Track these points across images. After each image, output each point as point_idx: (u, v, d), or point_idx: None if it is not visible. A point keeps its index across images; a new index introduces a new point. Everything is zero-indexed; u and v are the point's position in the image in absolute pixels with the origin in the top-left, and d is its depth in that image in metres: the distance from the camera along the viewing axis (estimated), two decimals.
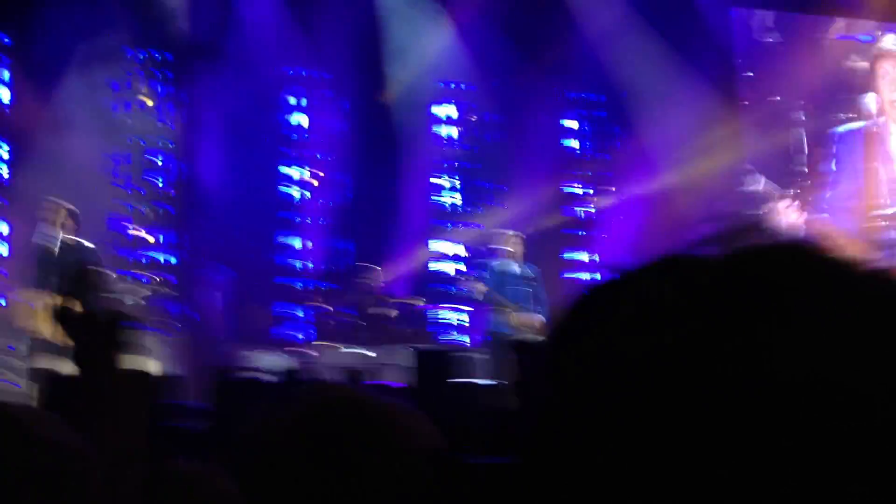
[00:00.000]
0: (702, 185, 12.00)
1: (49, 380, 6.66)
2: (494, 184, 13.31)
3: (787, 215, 9.08)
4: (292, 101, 13.02)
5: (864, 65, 10.30)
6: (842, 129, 10.45)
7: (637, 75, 12.72)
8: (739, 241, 0.58)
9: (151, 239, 11.63)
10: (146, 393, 1.33)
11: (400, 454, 1.29)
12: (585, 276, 13.37)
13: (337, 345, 10.26)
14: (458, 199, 13.37)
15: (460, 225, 13.04)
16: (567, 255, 13.38)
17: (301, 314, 11.88)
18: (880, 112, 9.74)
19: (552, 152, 13.51)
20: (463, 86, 13.55)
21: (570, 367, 0.56)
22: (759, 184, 9.59)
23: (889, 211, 9.98)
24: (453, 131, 13.60)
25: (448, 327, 12.27)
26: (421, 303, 10.59)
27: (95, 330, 1.40)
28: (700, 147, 12.08)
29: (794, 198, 9.55)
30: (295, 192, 12.75)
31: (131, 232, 11.57)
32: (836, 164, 10.30)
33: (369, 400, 1.36)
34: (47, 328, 7.70)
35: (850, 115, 10.49)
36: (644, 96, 12.82)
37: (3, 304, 10.40)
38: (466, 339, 11.84)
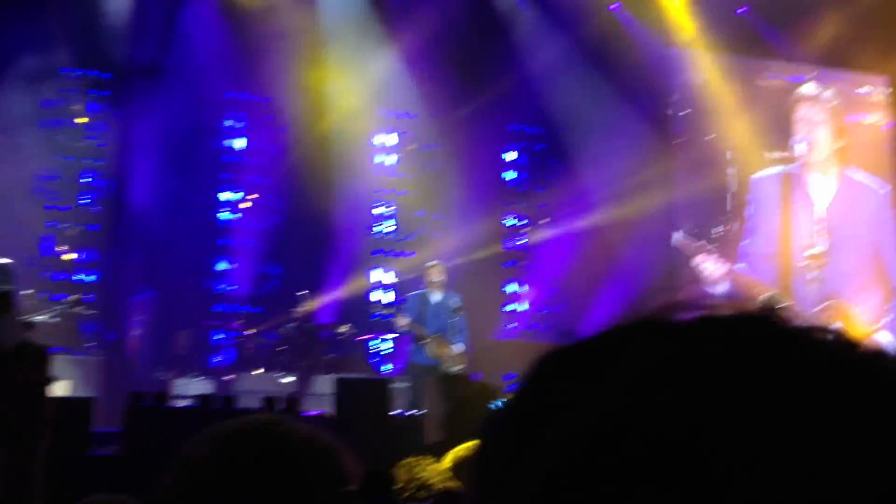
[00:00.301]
0: (634, 221, 12.11)
1: None
2: (431, 213, 13.31)
3: (709, 268, 9.15)
4: (230, 123, 12.94)
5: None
6: (758, 175, 10.63)
7: (576, 110, 12.87)
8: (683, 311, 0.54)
9: (73, 257, 11.44)
10: (47, 424, 1.31)
11: (320, 488, 1.28)
12: (519, 306, 13.42)
13: (258, 370, 10.12)
14: (392, 227, 13.35)
15: (392, 254, 13.01)
16: (502, 287, 13.41)
17: (223, 338, 11.73)
18: (799, 156, 9.93)
19: (491, 183, 13.58)
20: (405, 115, 13.58)
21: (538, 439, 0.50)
22: (678, 239, 9.70)
23: (815, 251, 10.14)
24: (393, 159, 13.61)
25: (372, 356, 12.19)
26: (346, 330, 10.50)
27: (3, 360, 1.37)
28: (634, 183, 12.20)
29: (713, 250, 9.64)
30: (227, 214, 12.64)
31: (57, 250, 11.38)
32: (753, 209, 10.46)
33: (290, 430, 1.34)
34: None
35: (784, 155, 10.65)
36: (582, 130, 12.96)
37: None
38: (389, 367, 11.76)
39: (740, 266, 10.19)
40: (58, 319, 9.40)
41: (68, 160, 11.83)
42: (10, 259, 8.19)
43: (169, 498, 1.33)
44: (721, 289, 10.04)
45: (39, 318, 7.79)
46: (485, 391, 7.72)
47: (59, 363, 9.05)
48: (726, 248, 10.55)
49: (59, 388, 8.82)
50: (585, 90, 12.77)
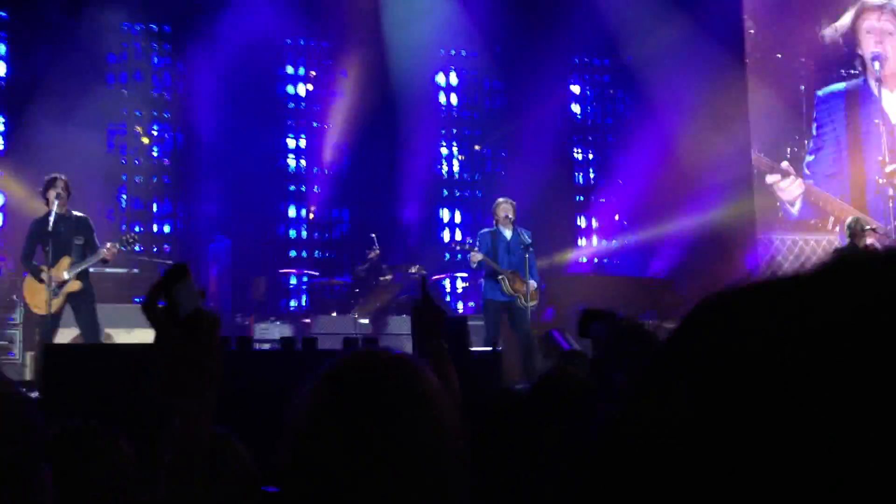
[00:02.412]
0: (707, 146, 11.83)
1: (45, 349, 6.72)
2: (495, 150, 13.20)
3: (785, 187, 8.95)
4: (291, 70, 12.95)
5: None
6: (824, 91, 10.27)
7: (641, 38, 12.52)
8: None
9: (148, 210, 11.68)
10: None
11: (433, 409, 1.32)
12: (587, 241, 13.31)
13: (333, 313, 10.24)
14: (457, 166, 13.29)
15: (460, 192, 12.97)
16: (570, 220, 13.29)
17: (298, 282, 11.89)
18: (867, 70, 9.56)
19: (557, 117, 13.38)
20: (465, 53, 13.41)
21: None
22: (756, 157, 9.43)
23: (888, 168, 9.82)
24: (454, 98, 13.49)
25: (445, 294, 12.25)
26: (416, 270, 10.52)
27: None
28: (706, 107, 11.90)
29: (789, 169, 9.38)
30: (293, 161, 12.72)
31: (127, 202, 11.63)
32: (816, 128, 10.12)
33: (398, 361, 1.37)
34: (41, 299, 7.74)
35: (854, 72, 10.27)
36: (649, 57, 12.62)
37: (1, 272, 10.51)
38: (462, 306, 11.80)
39: (807, 183, 9.92)
40: (136, 271, 9.61)
41: (137, 114, 11.99)
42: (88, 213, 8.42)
43: (299, 435, 1.36)
44: (796, 207, 9.82)
45: (94, 260, 7.94)
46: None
47: (136, 314, 9.32)
48: (800, 167, 10.27)
49: (142, 337, 9.08)
50: (650, 16, 12.41)
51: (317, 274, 11.13)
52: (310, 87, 12.94)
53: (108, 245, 7.97)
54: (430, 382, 1.37)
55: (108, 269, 8.44)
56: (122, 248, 8.18)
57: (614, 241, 13.21)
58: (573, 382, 3.71)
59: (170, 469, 1.37)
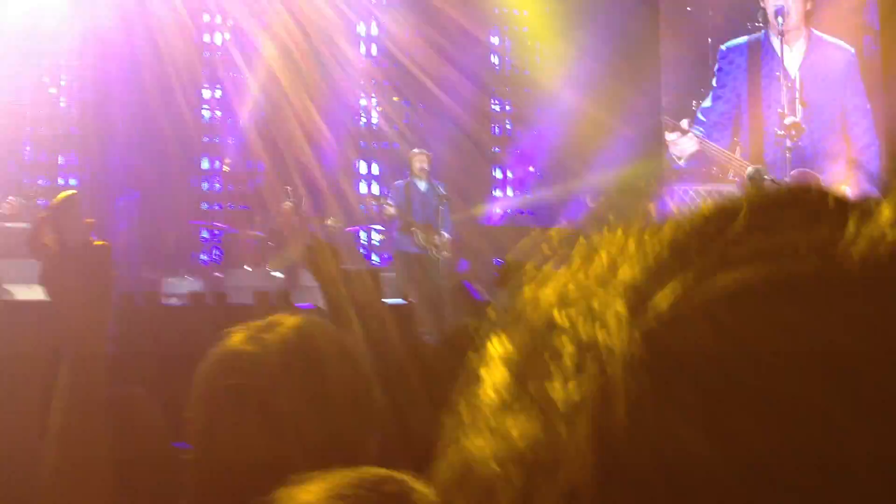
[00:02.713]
0: (619, 101, 11.96)
1: None
2: (414, 102, 13.13)
3: (680, 144, 9.12)
4: (207, 18, 12.62)
5: None
6: (727, 45, 10.45)
7: None
8: None
9: (53, 162, 11.35)
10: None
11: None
12: (502, 193, 13.40)
13: (246, 266, 10.14)
14: (376, 118, 13.19)
15: (377, 145, 12.89)
16: (486, 172, 13.35)
17: (210, 236, 11.73)
18: (769, 24, 9.74)
19: (476, 68, 13.33)
20: (386, 1, 13.25)
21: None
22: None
23: (792, 119, 10.07)
24: (374, 49, 13.34)
25: (360, 247, 12.23)
26: (333, 223, 10.46)
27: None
28: (618, 60, 12.00)
29: (687, 127, 9.54)
30: (207, 112, 12.47)
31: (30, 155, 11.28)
32: (717, 81, 10.31)
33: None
34: None
35: (758, 24, 10.46)
36: (566, 9, 12.64)
37: None
38: (377, 258, 11.81)
39: (697, 131, 10.11)
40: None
41: (40, 64, 11.57)
42: None
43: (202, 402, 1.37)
44: (682, 161, 10.00)
45: (21, 224, 7.74)
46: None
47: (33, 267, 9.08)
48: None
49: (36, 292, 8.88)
50: None
51: (228, 227, 10.98)
52: (227, 35, 12.63)
53: (9, 199, 7.75)
54: (330, 346, 1.40)
55: (8, 224, 8.19)
56: (23, 202, 7.98)
57: (528, 194, 13.31)
58: (477, 334, 3.77)
59: (62, 425, 1.33)
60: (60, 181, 11.55)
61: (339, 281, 1.46)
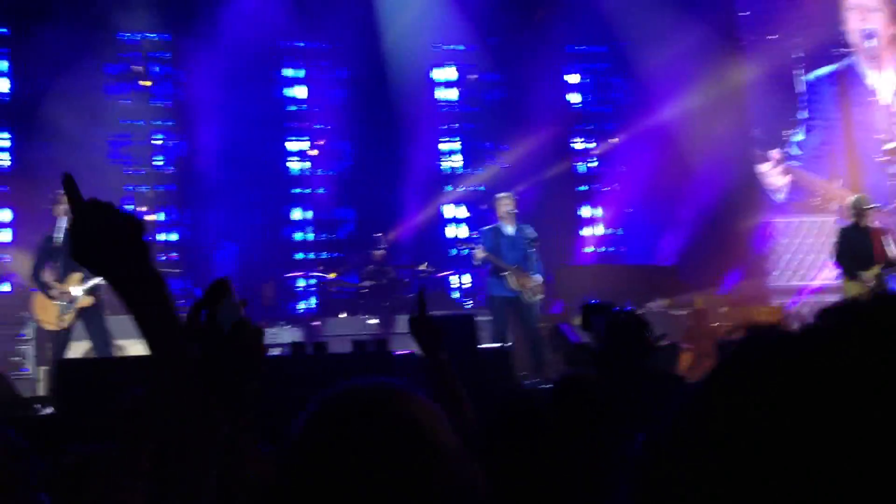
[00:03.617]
0: (706, 132, 11.84)
1: (58, 365, 6.80)
2: (496, 144, 13.23)
3: (772, 175, 8.99)
4: (290, 73, 12.99)
5: None
6: (812, 76, 10.25)
7: (636, 23, 12.52)
8: None
9: (154, 218, 11.73)
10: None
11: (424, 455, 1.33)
12: (593, 230, 13.33)
13: (342, 314, 10.29)
14: (459, 161, 13.32)
15: (462, 187, 13.00)
16: (573, 211, 13.32)
17: (305, 285, 11.96)
18: (855, 48, 9.53)
19: (556, 107, 13.40)
20: (461, 47, 13.43)
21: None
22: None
23: (890, 146, 9.80)
24: (453, 93, 13.52)
25: (453, 291, 12.30)
26: (425, 268, 10.57)
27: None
28: (703, 93, 11.92)
29: (780, 157, 9.41)
30: (296, 163, 12.78)
31: (137, 212, 11.67)
32: (808, 111, 10.10)
33: (396, 400, 1.39)
34: (51, 315, 7.82)
35: (844, 51, 10.26)
36: (646, 44, 12.62)
37: (9, 290, 10.60)
38: (470, 302, 11.85)
39: (792, 162, 9.92)
40: None
41: (138, 123, 12.04)
42: None
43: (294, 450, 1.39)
44: (781, 196, 9.83)
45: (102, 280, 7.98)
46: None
47: None
48: (790, 147, 10.28)
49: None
50: (645, 1, 12.40)
51: (324, 275, 11.17)
52: (303, 90, 12.95)
53: None
54: (425, 414, 1.38)
55: None
56: None
57: (619, 230, 13.23)
58: (589, 385, 3.73)
59: (215, 488, 1.37)
60: (161, 237, 11.94)
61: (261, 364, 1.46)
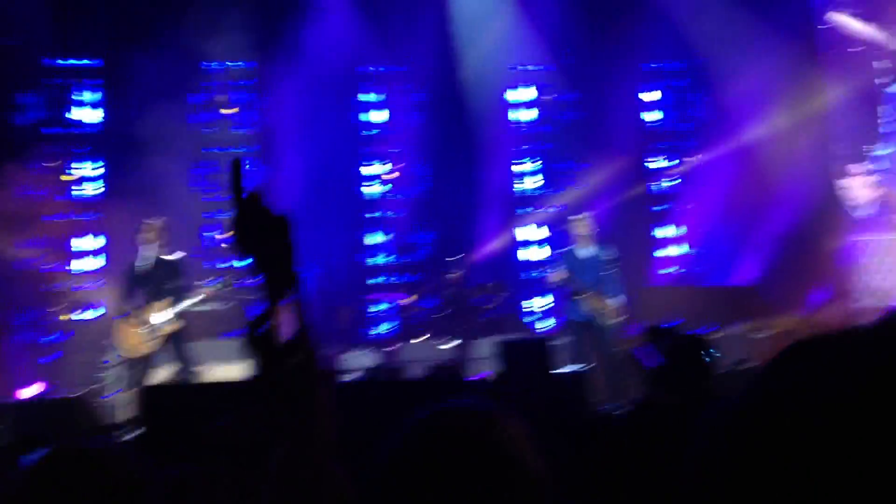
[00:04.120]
0: (787, 148, 11.57)
1: (143, 390, 6.99)
2: (574, 164, 13.16)
3: (858, 190, 8.69)
4: (367, 97, 13.15)
5: None
6: (894, 88, 9.90)
7: (712, 39, 12.33)
8: None
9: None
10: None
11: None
12: (671, 250, 13.12)
13: (419, 338, 10.33)
14: (535, 182, 13.28)
15: (541, 209, 12.94)
16: (649, 231, 13.14)
17: (385, 308, 12.05)
18: None
19: (634, 126, 13.28)
20: (535, 67, 13.43)
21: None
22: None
23: None
24: (529, 114, 13.51)
25: (528, 315, 12.24)
26: (503, 291, 10.56)
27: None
28: (783, 107, 11.66)
29: (867, 171, 9.10)
30: (373, 187, 12.91)
31: (217, 239, 11.96)
32: (887, 123, 9.74)
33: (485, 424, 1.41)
34: (134, 341, 8.06)
35: None
36: (724, 59, 12.41)
37: (95, 317, 10.94)
38: (550, 324, 11.77)
39: (880, 179, 9.59)
40: (229, 305, 9.86)
41: (221, 151, 12.35)
42: (181, 252, 8.71)
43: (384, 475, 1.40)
44: (866, 211, 9.53)
45: (190, 303, 8.16)
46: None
47: (229, 347, 9.57)
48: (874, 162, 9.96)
49: (231, 372, 9.34)
50: (721, 15, 12.21)
51: (400, 299, 11.25)
52: (381, 114, 13.10)
53: (202, 287, 8.25)
54: (515, 440, 1.39)
55: (195, 308, 8.72)
56: (221, 288, 8.46)
57: (696, 250, 13.00)
58: (664, 410, 3.68)
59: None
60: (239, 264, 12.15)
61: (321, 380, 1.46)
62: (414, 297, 11.00)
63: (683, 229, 13.15)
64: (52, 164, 11.63)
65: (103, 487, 1.47)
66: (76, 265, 11.54)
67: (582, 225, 8.91)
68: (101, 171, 12.00)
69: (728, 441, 0.59)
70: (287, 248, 1.44)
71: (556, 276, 8.76)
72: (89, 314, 11.10)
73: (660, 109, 13.78)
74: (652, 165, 13.52)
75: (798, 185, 11.44)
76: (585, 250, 8.89)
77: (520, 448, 1.37)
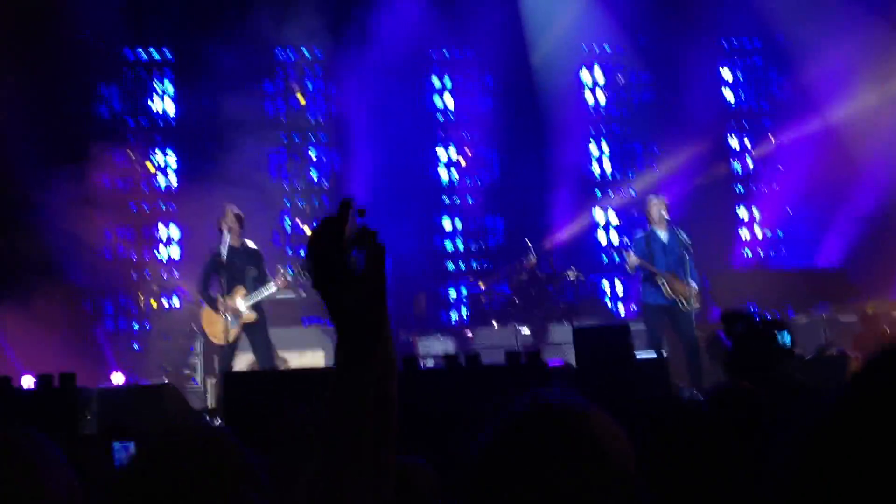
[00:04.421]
0: (870, 126, 11.20)
1: (225, 377, 7.12)
2: (652, 145, 12.94)
3: None
4: (437, 83, 13.13)
5: None
6: None
7: (792, 14, 11.97)
8: None
9: (309, 231, 12.10)
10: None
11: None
12: (749, 232, 12.84)
13: (493, 324, 10.30)
14: (608, 165, 13.10)
15: (612, 192, 12.78)
16: (730, 212, 12.86)
17: (457, 295, 12.06)
18: None
19: (710, 105, 12.98)
20: (608, 48, 13.23)
21: None
22: None
23: None
24: (602, 96, 13.32)
25: (606, 298, 12.11)
26: (575, 275, 10.45)
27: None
28: (867, 87, 11.28)
29: None
30: (444, 173, 12.90)
31: (290, 227, 12.12)
32: None
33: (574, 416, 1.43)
34: (218, 329, 8.18)
35: None
36: (801, 37, 12.05)
37: (178, 305, 11.18)
38: (622, 310, 11.64)
39: None
40: (304, 295, 9.96)
41: (296, 140, 12.47)
42: (256, 240, 8.83)
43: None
44: None
45: (267, 292, 8.25)
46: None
47: (312, 334, 9.68)
48: None
49: (314, 359, 9.45)
50: None
51: (477, 285, 11.23)
52: (450, 99, 13.05)
53: (281, 274, 8.34)
54: (603, 434, 1.40)
55: (278, 295, 8.83)
56: (299, 277, 8.56)
57: (778, 232, 12.70)
58: (745, 395, 3.62)
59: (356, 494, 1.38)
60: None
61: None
62: (489, 283, 10.97)
63: (760, 211, 12.85)
64: (133, 154, 11.91)
65: (221, 469, 1.49)
66: (161, 253, 11.82)
67: (657, 206, 8.73)
68: (175, 164, 12.22)
69: (820, 454, 0.58)
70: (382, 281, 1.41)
71: (632, 259, 8.62)
72: (174, 301, 11.36)
73: (739, 88, 13.46)
74: (732, 145, 13.22)
75: (884, 164, 11.07)
76: (662, 233, 8.73)
77: (612, 446, 1.38)
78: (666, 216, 8.69)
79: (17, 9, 10.19)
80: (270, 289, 8.31)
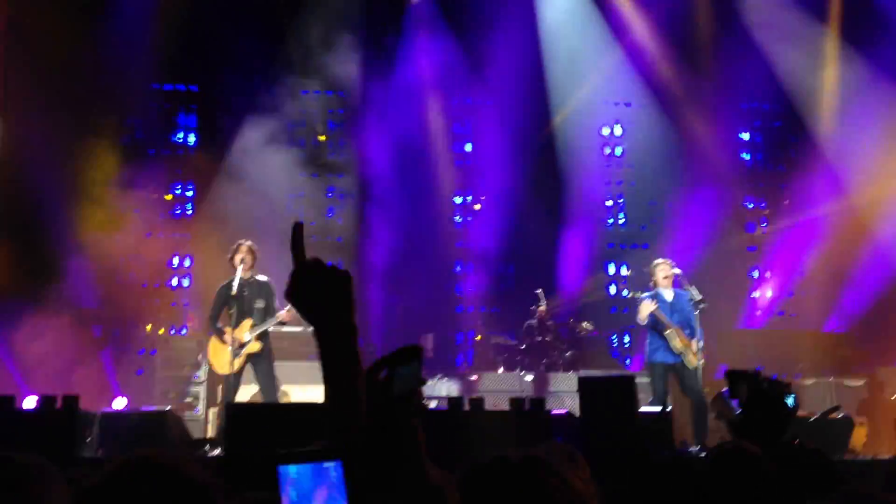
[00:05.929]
0: (888, 195, 11.21)
1: (228, 407, 7.12)
2: (663, 202, 12.98)
3: None
4: (459, 128, 13.23)
5: None
6: None
7: (812, 81, 12.06)
8: None
9: None
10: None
11: None
12: (762, 293, 12.80)
13: (499, 370, 10.29)
14: (624, 219, 13.13)
15: (627, 246, 12.78)
16: (743, 272, 12.84)
17: (465, 339, 12.04)
18: None
19: (726, 166, 13.03)
20: (631, 104, 13.32)
21: None
22: None
23: None
24: (619, 150, 13.40)
25: (615, 351, 12.08)
26: (586, 326, 10.44)
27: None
28: (884, 153, 11.30)
29: None
30: (458, 218, 12.96)
31: None
32: None
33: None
34: (223, 359, 8.20)
35: None
36: (824, 102, 12.12)
37: (190, 332, 11.21)
38: (634, 363, 11.59)
39: None
40: (311, 329, 9.96)
41: (314, 177, 12.56)
42: (266, 276, 8.86)
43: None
44: None
45: (270, 327, 8.25)
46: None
47: (316, 369, 9.67)
48: None
49: (317, 394, 9.43)
50: (824, 56, 11.94)
51: (482, 327, 11.24)
52: (468, 145, 13.15)
53: (287, 308, 8.35)
54: (568, 487, 1.42)
55: (285, 329, 8.84)
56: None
57: (790, 295, 12.65)
58: (748, 455, 3.60)
59: None
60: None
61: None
62: (498, 328, 10.97)
63: (773, 273, 12.81)
64: (154, 185, 12.04)
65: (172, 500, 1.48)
66: (174, 282, 11.88)
67: (662, 269, 8.73)
68: (190, 193, 12.35)
69: None
70: (348, 303, 1.49)
71: (647, 305, 8.57)
72: (183, 331, 11.40)
73: (754, 151, 13.51)
74: (748, 206, 13.24)
75: None
76: (667, 294, 8.71)
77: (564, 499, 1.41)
78: (671, 276, 8.68)
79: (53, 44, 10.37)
80: (276, 320, 8.32)
